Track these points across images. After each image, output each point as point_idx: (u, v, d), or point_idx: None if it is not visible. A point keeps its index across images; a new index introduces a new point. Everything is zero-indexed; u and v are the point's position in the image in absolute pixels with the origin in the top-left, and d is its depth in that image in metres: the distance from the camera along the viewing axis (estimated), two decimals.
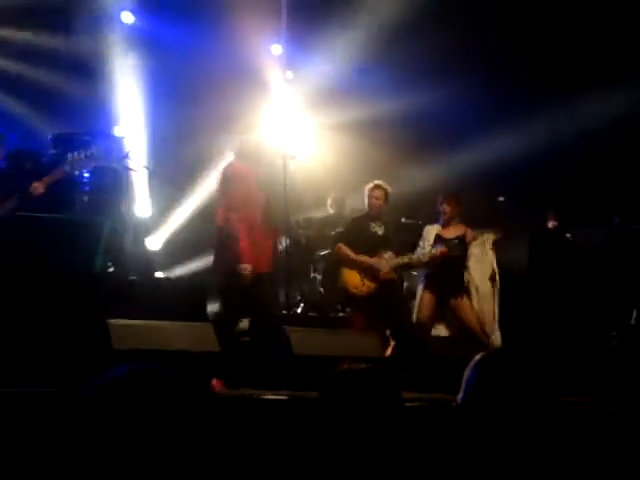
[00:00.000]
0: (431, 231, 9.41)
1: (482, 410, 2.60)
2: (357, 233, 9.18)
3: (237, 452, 4.91)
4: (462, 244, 9.24)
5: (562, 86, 11.74)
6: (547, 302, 9.67)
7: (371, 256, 9.01)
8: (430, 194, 10.37)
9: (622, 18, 11.48)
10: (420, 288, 9.35)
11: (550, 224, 9.83)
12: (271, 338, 7.59)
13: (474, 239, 9.27)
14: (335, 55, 12.91)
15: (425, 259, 9.23)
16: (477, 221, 9.58)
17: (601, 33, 11.66)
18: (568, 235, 9.63)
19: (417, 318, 9.18)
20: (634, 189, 11.39)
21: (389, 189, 9.22)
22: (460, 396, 2.68)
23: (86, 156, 8.69)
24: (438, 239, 9.28)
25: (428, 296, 9.23)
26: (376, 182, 9.24)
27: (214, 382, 7.18)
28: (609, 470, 3.05)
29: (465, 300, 9.22)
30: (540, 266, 9.76)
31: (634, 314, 10.59)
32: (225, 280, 8.05)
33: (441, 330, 9.36)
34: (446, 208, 9.37)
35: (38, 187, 8.11)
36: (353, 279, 9.01)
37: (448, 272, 9.21)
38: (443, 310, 9.29)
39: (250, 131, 8.11)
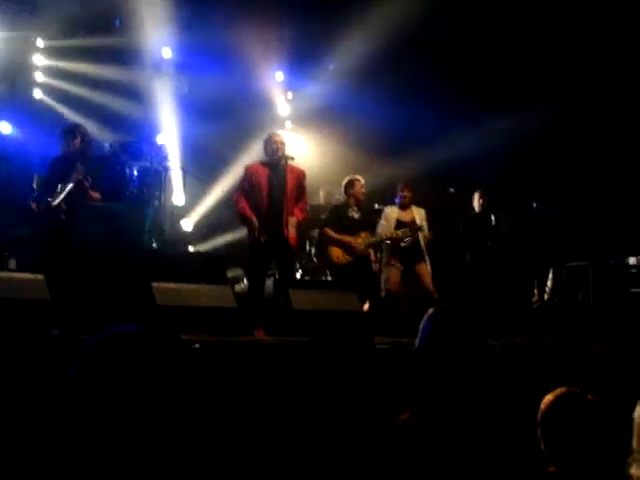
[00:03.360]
0: (390, 212, 9.38)
1: (434, 350, 2.61)
2: (338, 217, 9.18)
3: (250, 385, 4.93)
4: (414, 224, 9.25)
5: (491, 105, 11.77)
6: (479, 268, 9.66)
7: (350, 235, 9.01)
8: (395, 185, 10.40)
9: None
10: (386, 264, 9.33)
11: (477, 203, 9.74)
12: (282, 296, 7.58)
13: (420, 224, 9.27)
14: (325, 80, 12.91)
15: (386, 239, 9.24)
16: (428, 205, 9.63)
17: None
18: (492, 218, 9.59)
19: (392, 288, 9.18)
20: (548, 181, 11.48)
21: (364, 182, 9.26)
22: (417, 340, 2.68)
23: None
24: (399, 222, 9.27)
25: (394, 270, 9.23)
26: (356, 176, 9.24)
27: (258, 331, 7.21)
28: (530, 397, 3.06)
29: (424, 265, 9.23)
30: (471, 242, 9.74)
31: (550, 276, 10.63)
32: (249, 249, 8.01)
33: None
34: (406, 194, 9.37)
35: (95, 196, 8.00)
36: (336, 253, 9.01)
37: (409, 246, 9.20)
38: (408, 276, 9.28)
39: (268, 139, 8.10)
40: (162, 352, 1.79)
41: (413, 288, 9.27)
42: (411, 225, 9.21)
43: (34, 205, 7.86)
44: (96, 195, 7.85)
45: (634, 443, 2.52)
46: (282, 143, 8.03)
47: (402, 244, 9.17)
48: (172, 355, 1.80)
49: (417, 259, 9.21)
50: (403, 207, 9.38)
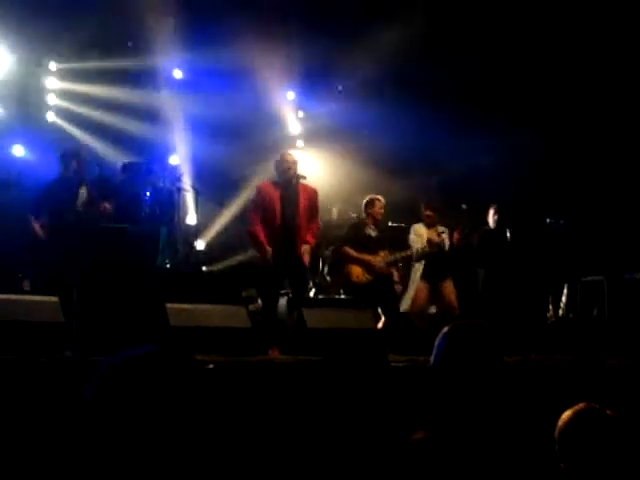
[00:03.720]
0: (419, 229, 9.41)
1: (449, 368, 2.59)
2: (356, 236, 9.17)
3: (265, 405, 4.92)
4: (440, 244, 9.27)
5: (502, 120, 11.76)
6: (493, 283, 9.63)
7: (368, 254, 9.01)
8: (408, 202, 10.41)
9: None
10: (415, 280, 9.33)
11: (491, 218, 9.72)
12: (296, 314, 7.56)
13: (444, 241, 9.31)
14: (336, 99, 12.95)
15: (406, 257, 9.27)
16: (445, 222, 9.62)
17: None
18: (508, 234, 9.57)
19: (413, 303, 9.19)
20: (562, 196, 11.46)
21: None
22: (432, 358, 2.67)
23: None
24: (429, 241, 9.30)
25: (422, 286, 9.24)
26: (377, 196, 9.25)
27: (273, 350, 7.19)
28: (546, 413, 3.04)
29: (448, 283, 9.25)
30: (485, 257, 9.71)
31: (564, 291, 10.58)
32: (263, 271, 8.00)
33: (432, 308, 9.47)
34: (429, 213, 9.40)
35: (106, 206, 8.16)
36: (356, 271, 9.00)
37: (432, 265, 9.22)
38: (434, 293, 9.28)
39: (279, 159, 8.10)
40: (176, 374, 1.79)
41: (437, 305, 9.32)
42: (433, 243, 9.27)
43: (41, 232, 7.92)
44: (109, 207, 7.97)
45: None
46: (294, 162, 8.02)
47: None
48: (186, 376, 1.80)
49: (443, 276, 9.23)
50: (429, 226, 9.43)
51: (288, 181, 7.94)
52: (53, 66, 12.11)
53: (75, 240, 7.95)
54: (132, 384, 1.75)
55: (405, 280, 9.53)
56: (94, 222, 8.08)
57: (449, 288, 9.24)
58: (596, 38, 11.19)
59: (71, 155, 8.26)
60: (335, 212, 11.50)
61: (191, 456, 1.77)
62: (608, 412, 2.78)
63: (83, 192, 8.12)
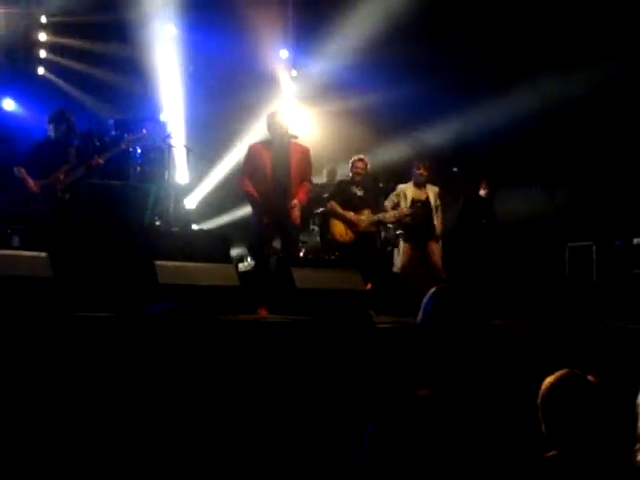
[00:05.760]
0: (404, 190, 9.33)
1: (435, 328, 2.60)
2: (342, 194, 9.18)
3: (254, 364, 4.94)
4: (427, 205, 9.21)
5: (492, 87, 11.74)
6: (475, 247, 9.66)
7: (353, 212, 9.02)
8: (400, 164, 10.38)
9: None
10: (401, 242, 9.32)
11: (482, 191, 9.77)
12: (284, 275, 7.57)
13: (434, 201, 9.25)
14: (329, 58, 12.84)
15: (394, 218, 9.24)
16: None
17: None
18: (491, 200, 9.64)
19: (402, 266, 9.19)
20: (554, 161, 11.45)
21: (368, 161, 9.28)
22: (419, 319, 2.67)
23: (138, 137, 8.82)
24: (413, 201, 9.23)
25: (407, 248, 9.22)
26: (359, 156, 9.28)
27: (261, 309, 7.20)
28: (532, 377, 3.05)
29: (434, 244, 9.21)
30: (469, 222, 9.74)
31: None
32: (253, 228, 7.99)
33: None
34: (423, 172, 9.31)
35: (99, 160, 8.22)
36: (339, 229, 9.04)
37: (420, 225, 9.18)
38: (421, 254, 9.25)
39: (271, 117, 8.06)
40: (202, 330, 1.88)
41: (423, 267, 9.27)
42: (417, 204, 9.19)
43: (35, 186, 7.97)
44: (101, 161, 8.10)
45: (639, 429, 2.52)
46: (285, 121, 7.99)
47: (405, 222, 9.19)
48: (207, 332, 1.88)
49: (428, 237, 9.19)
50: (418, 185, 9.32)
51: (279, 140, 7.90)
52: (44, 19, 11.99)
53: (65, 197, 8.03)
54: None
55: (395, 241, 9.53)
56: (83, 179, 8.12)
57: (436, 249, 9.19)
58: None
59: (61, 118, 8.30)
60: (325, 173, 11.45)
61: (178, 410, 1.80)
62: (590, 378, 2.80)
63: (72, 151, 8.21)
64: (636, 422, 2.66)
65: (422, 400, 2.44)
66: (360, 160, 9.21)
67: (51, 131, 8.30)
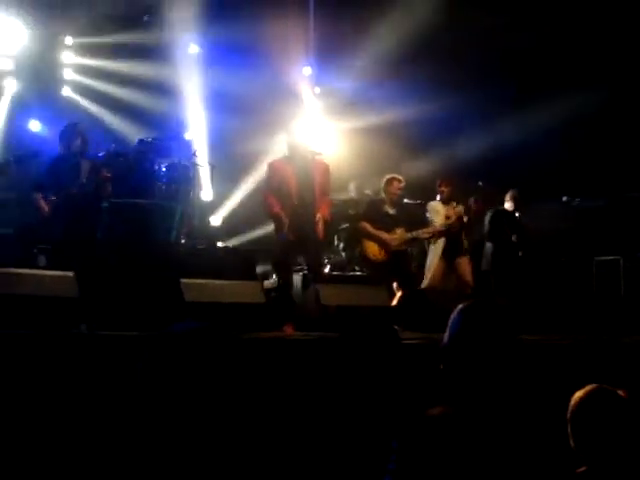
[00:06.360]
0: (436, 207, 9.40)
1: (462, 346, 2.58)
2: (374, 213, 9.18)
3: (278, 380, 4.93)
4: (459, 221, 9.27)
5: (519, 102, 11.71)
6: (502, 262, 9.63)
7: (385, 231, 9.02)
8: (425, 180, 10.38)
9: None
10: (433, 258, 9.33)
11: (508, 202, 9.74)
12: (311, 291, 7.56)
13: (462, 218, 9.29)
14: (352, 75, 12.89)
15: (428, 235, 9.28)
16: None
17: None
18: (517, 214, 9.60)
19: (430, 282, 9.19)
20: (580, 175, 11.39)
21: (403, 179, 9.25)
22: (446, 335, 2.66)
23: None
24: (446, 218, 9.29)
25: (441, 263, 9.24)
26: (396, 175, 9.25)
27: (287, 326, 7.18)
28: (561, 392, 3.02)
29: (464, 259, 9.24)
30: (498, 235, 9.70)
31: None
32: (278, 244, 7.97)
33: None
34: (444, 189, 9.38)
35: (105, 174, 8.11)
36: (373, 250, 9.05)
37: (451, 242, 9.21)
38: (450, 269, 9.27)
39: (288, 134, 8.06)
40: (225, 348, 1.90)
41: (451, 282, 9.30)
42: (449, 219, 9.28)
43: (46, 207, 7.93)
44: (107, 174, 8.03)
45: None
46: (301, 138, 7.98)
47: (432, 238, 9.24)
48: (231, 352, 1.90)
49: (458, 253, 9.25)
50: (444, 202, 9.42)
51: (300, 156, 7.89)
52: (69, 40, 12.11)
53: (84, 213, 7.97)
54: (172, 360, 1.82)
55: (419, 258, 9.55)
56: (98, 192, 8.07)
57: (465, 264, 9.25)
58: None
59: (75, 132, 8.22)
60: (353, 189, 11.45)
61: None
62: (620, 393, 2.77)
63: (85, 165, 8.11)
64: None
65: (445, 418, 2.40)
66: (398, 181, 9.19)
67: (65, 146, 8.22)
